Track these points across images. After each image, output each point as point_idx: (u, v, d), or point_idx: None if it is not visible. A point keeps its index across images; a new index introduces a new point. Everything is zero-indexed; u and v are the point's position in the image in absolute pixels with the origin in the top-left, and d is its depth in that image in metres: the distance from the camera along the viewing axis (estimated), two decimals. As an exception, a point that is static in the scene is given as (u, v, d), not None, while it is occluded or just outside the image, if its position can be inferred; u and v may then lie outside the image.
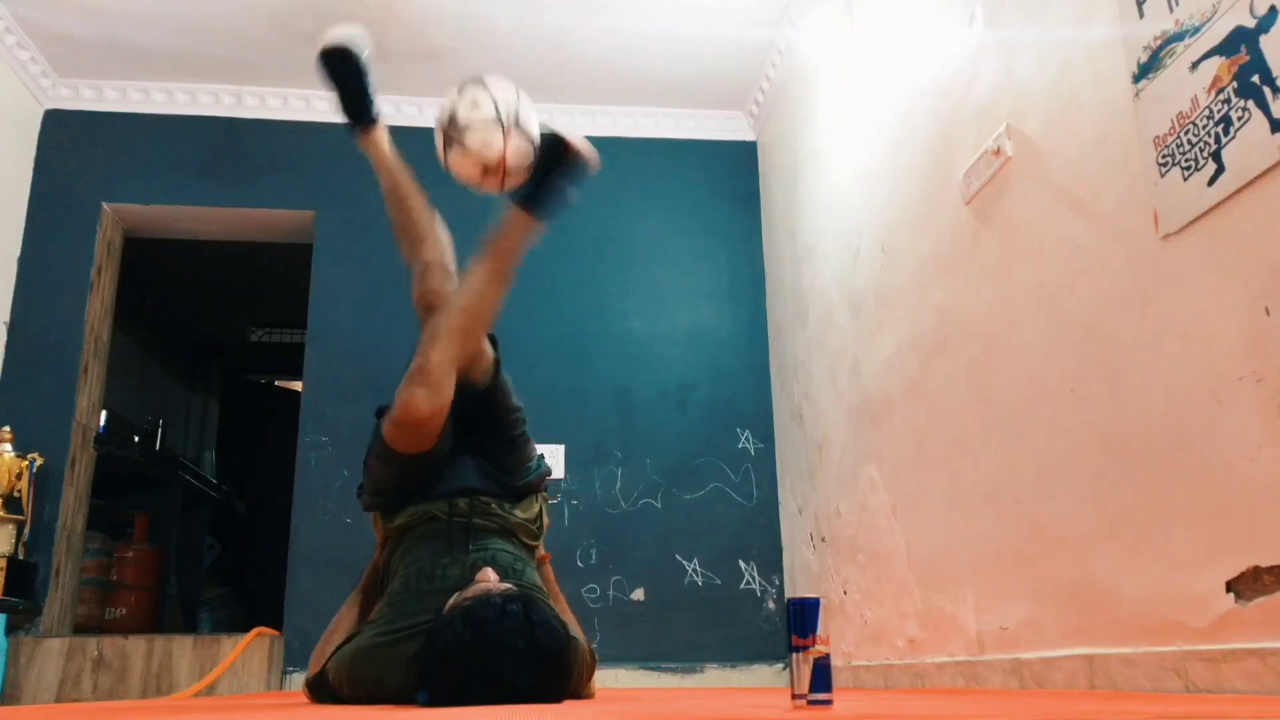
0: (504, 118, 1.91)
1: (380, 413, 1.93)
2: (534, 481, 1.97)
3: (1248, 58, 1.45)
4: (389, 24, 3.65)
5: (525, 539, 1.88)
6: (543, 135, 1.95)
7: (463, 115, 1.92)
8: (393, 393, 1.93)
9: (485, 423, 1.94)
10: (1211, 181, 1.52)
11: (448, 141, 1.94)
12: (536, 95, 4.58)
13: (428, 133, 4.37)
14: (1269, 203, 1.42)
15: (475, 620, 1.40)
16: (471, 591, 1.49)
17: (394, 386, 1.90)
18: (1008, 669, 2.07)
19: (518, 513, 1.88)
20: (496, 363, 1.96)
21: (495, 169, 1.92)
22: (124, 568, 4.42)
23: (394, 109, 4.12)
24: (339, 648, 1.72)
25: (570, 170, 1.93)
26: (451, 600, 1.51)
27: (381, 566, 1.90)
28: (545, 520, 2.00)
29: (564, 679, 1.46)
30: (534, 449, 2.03)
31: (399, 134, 4.02)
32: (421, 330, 1.90)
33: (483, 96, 1.92)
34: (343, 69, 2.08)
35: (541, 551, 2.00)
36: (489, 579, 1.53)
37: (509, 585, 1.51)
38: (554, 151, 1.92)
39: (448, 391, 1.79)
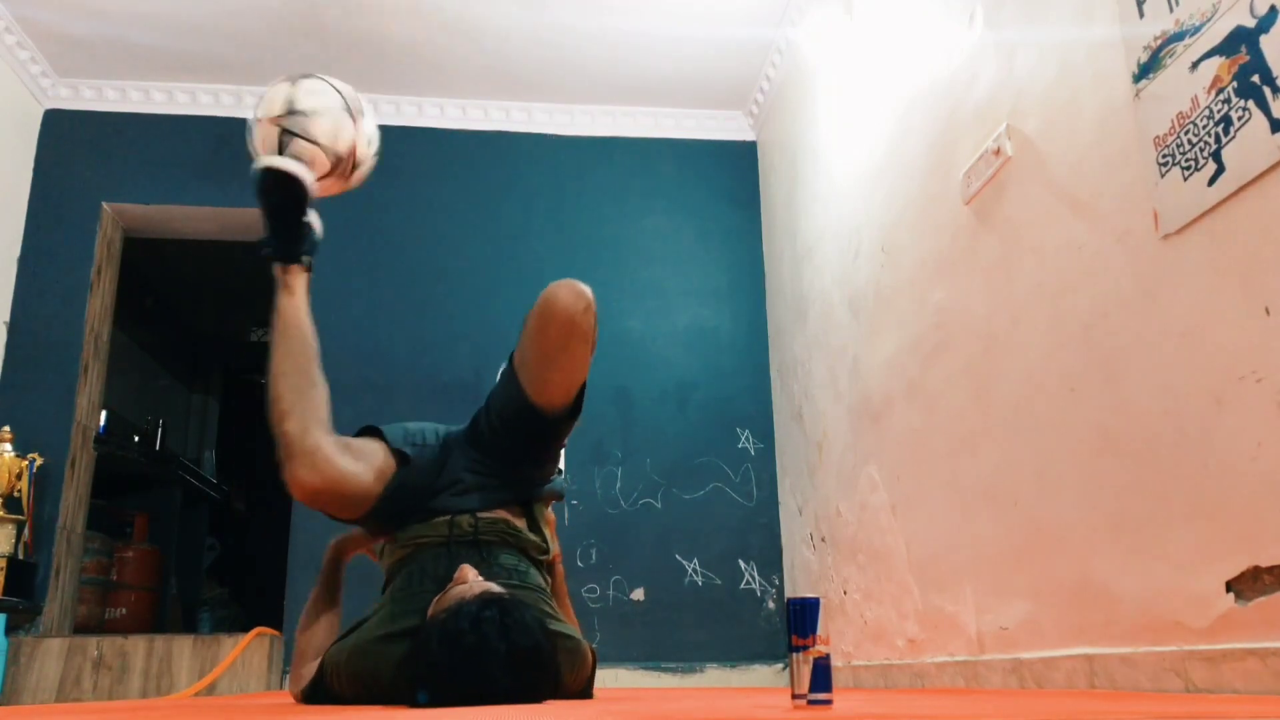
0: (350, 104, 1.76)
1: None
2: (547, 495, 1.95)
3: (1248, 58, 1.45)
4: (387, 23, 3.65)
5: (533, 552, 1.87)
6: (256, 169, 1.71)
7: (304, 102, 1.71)
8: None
9: (536, 444, 1.86)
10: (1211, 181, 1.52)
11: (284, 134, 1.70)
12: (537, 95, 4.57)
13: (428, 132, 4.32)
14: (1269, 203, 1.42)
15: (450, 634, 1.38)
16: (447, 599, 1.48)
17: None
18: (1008, 669, 2.07)
19: (521, 526, 1.86)
20: (579, 403, 1.83)
21: (346, 160, 1.75)
22: (124, 568, 4.42)
23: (394, 109, 4.13)
24: (338, 640, 1.72)
25: (296, 198, 1.72)
26: (431, 608, 1.51)
27: (387, 569, 1.89)
28: (551, 516, 1.99)
29: (548, 674, 1.45)
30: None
31: (399, 134, 4.06)
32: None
33: (320, 85, 1.76)
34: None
35: (555, 550, 1.98)
36: (466, 578, 1.52)
37: (486, 587, 1.49)
38: (270, 183, 1.69)
39: (327, 466, 1.70)
